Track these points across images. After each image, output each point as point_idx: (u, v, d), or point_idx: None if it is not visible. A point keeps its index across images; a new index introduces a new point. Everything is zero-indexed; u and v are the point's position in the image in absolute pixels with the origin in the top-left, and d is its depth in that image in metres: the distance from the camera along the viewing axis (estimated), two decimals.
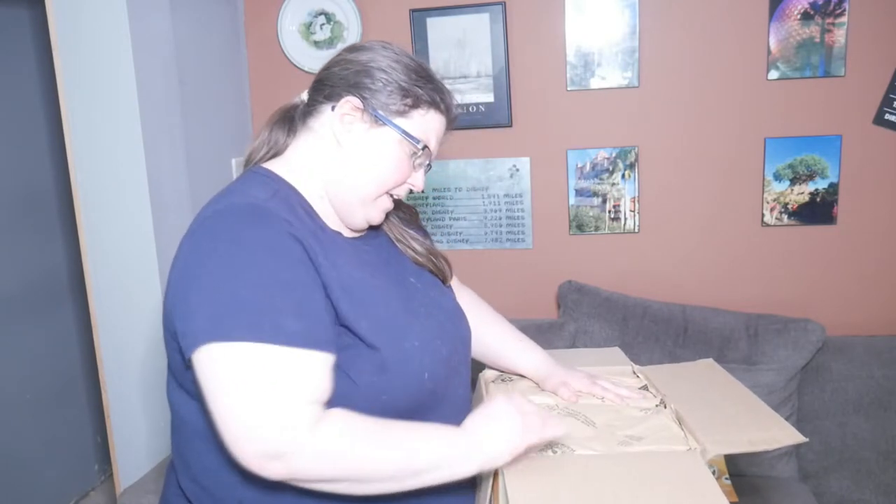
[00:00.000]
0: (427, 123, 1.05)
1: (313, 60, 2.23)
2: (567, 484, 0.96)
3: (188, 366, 0.91)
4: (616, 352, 1.46)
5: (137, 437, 2.00)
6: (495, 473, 1.01)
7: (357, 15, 2.18)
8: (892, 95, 1.97)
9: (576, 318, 2.07)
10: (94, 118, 1.84)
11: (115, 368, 1.97)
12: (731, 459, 1.89)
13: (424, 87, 1.04)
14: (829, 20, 1.96)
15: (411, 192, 1.11)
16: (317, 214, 1.04)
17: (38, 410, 2.57)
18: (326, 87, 1.06)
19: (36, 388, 2.56)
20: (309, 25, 2.24)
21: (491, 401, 0.99)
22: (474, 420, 0.96)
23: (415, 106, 1.04)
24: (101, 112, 1.83)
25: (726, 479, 1.77)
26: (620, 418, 1.10)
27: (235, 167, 2.18)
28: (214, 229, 0.94)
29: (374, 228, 1.13)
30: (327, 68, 1.09)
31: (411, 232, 1.19)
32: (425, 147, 1.05)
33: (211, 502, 1.01)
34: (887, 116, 1.99)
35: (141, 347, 1.95)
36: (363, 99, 1.02)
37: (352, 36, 2.19)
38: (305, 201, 1.04)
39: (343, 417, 0.89)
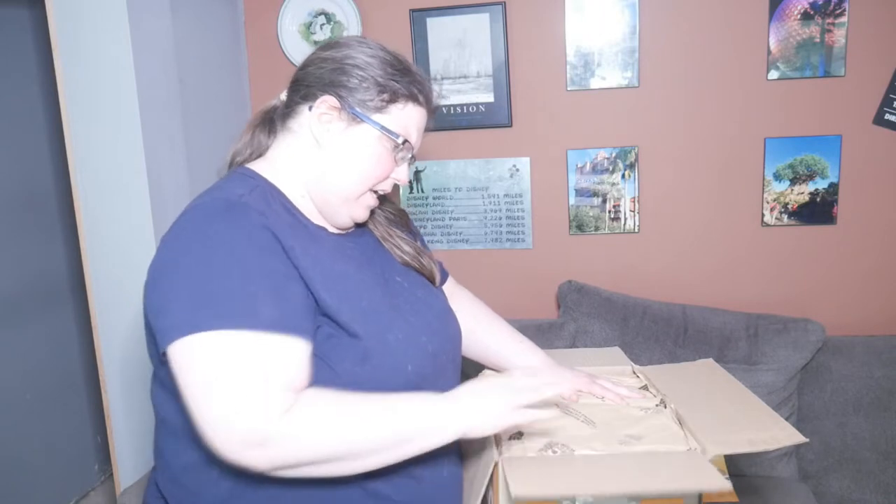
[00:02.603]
0: (406, 117, 1.04)
1: None
2: (567, 477, 0.96)
3: (164, 361, 0.91)
4: (616, 352, 1.47)
5: (137, 437, 2.00)
6: (494, 466, 1.01)
7: (357, 15, 2.18)
8: (892, 95, 1.97)
9: (576, 318, 2.07)
10: (94, 118, 1.84)
11: (115, 368, 1.97)
12: (731, 459, 1.89)
13: (401, 81, 1.03)
14: (829, 20, 1.96)
15: (411, 191, 1.11)
16: (299, 212, 1.04)
17: (38, 410, 2.57)
18: (303, 87, 1.05)
19: (36, 388, 2.56)
20: (309, 25, 2.24)
21: (487, 377, 1.00)
22: (461, 391, 0.95)
23: (392, 101, 1.03)
24: (101, 112, 1.83)
25: (726, 479, 1.78)
26: (620, 418, 1.10)
27: None
28: (187, 225, 0.94)
29: (359, 226, 1.13)
30: (303, 67, 1.08)
31: (399, 232, 1.18)
32: (405, 141, 1.04)
33: (190, 500, 1.00)
34: (887, 116, 1.99)
35: (141, 348, 1.94)
36: (340, 97, 1.01)
37: None
38: (287, 199, 1.03)
39: (316, 397, 0.88)
